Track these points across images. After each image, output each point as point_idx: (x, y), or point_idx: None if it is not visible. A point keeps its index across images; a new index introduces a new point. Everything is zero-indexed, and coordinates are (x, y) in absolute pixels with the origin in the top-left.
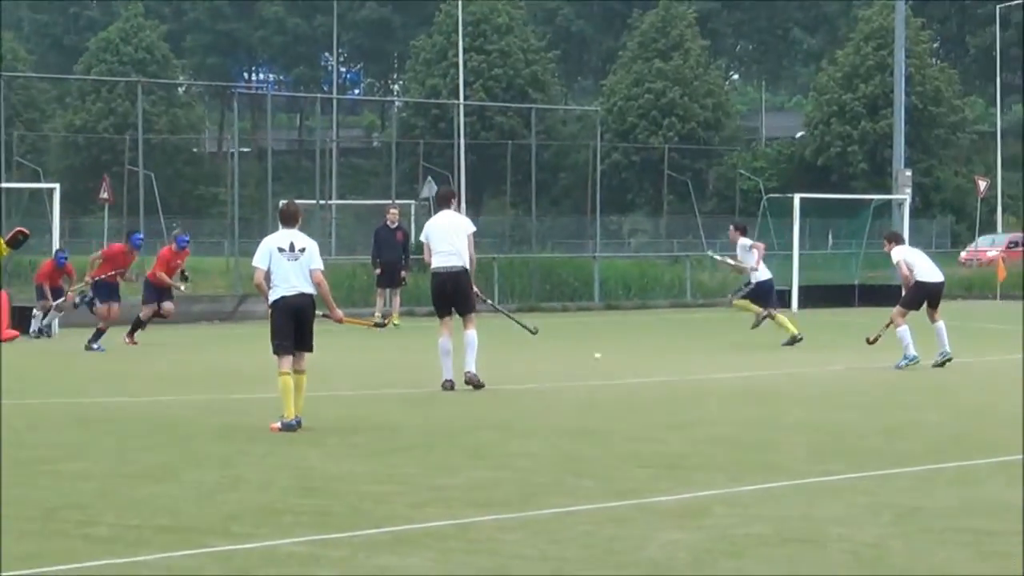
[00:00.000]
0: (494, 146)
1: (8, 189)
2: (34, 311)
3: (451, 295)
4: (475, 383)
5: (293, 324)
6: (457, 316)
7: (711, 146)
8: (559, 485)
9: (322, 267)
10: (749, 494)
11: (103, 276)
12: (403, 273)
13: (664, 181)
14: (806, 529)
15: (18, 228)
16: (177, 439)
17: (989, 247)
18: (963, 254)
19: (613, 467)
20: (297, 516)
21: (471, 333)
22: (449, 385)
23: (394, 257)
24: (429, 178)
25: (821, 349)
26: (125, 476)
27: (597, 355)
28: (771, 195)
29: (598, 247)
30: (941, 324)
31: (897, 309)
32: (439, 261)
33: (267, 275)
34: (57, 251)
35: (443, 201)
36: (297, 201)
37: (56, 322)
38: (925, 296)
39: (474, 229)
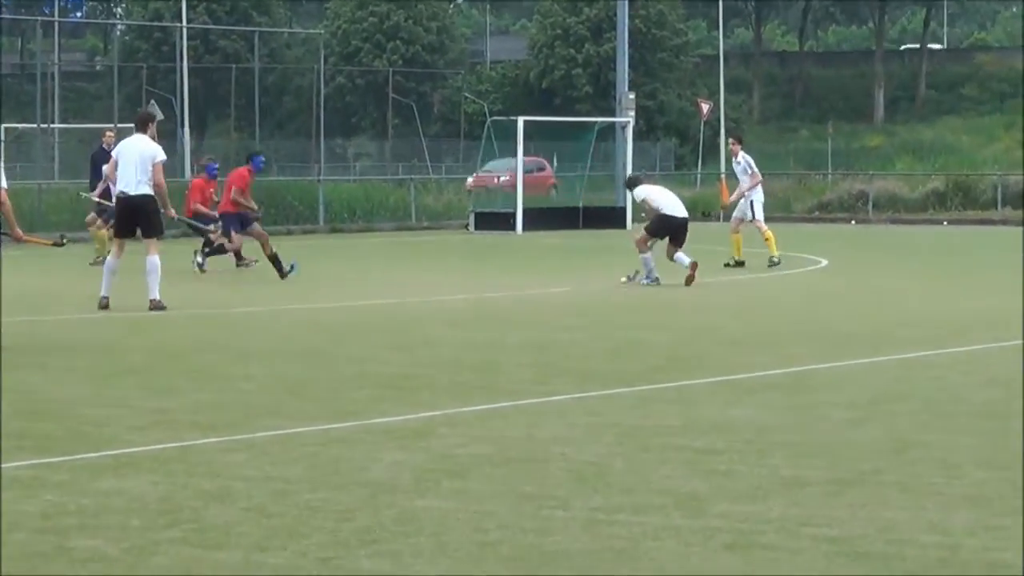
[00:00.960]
0: (218, 70)
1: None
2: None
3: (133, 219)
4: (158, 308)
5: None
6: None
7: (436, 69)
8: (282, 407)
9: (6, 187)
10: (472, 415)
11: None
12: None
13: (389, 104)
14: (528, 448)
15: None
16: None
17: (498, 171)
18: (469, 180)
19: (337, 389)
20: (18, 440)
21: (153, 259)
22: (104, 303)
23: None
24: (152, 101)
25: (546, 271)
26: None
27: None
28: (495, 118)
29: (323, 171)
30: (681, 254)
31: (641, 235)
32: (123, 185)
33: None
34: None
35: (140, 124)
36: (20, 125)
37: None
38: (668, 229)
39: (164, 158)
